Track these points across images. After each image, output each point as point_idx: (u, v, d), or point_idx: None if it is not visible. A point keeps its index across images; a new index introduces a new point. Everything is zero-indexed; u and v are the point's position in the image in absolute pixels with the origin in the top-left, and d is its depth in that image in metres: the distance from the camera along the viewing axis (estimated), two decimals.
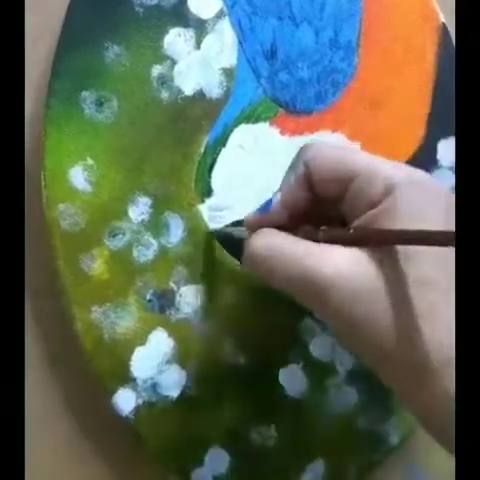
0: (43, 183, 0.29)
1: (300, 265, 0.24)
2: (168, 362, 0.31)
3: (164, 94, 0.30)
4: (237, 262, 0.31)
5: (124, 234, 0.30)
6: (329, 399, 0.33)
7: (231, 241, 0.31)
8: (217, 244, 0.31)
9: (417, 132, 0.35)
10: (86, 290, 0.29)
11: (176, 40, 0.30)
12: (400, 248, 0.23)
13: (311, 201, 0.27)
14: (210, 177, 0.31)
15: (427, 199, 0.24)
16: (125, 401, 0.30)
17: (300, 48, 0.32)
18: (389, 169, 0.25)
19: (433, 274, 0.23)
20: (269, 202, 0.32)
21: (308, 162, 0.26)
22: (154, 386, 0.30)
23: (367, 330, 0.23)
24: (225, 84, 0.31)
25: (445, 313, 0.22)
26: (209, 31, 0.31)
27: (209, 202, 0.31)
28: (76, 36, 0.29)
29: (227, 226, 0.31)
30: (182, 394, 0.31)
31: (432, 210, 0.24)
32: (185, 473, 0.31)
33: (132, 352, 0.30)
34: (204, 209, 0.31)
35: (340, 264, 0.24)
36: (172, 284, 0.31)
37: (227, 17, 0.31)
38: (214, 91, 0.31)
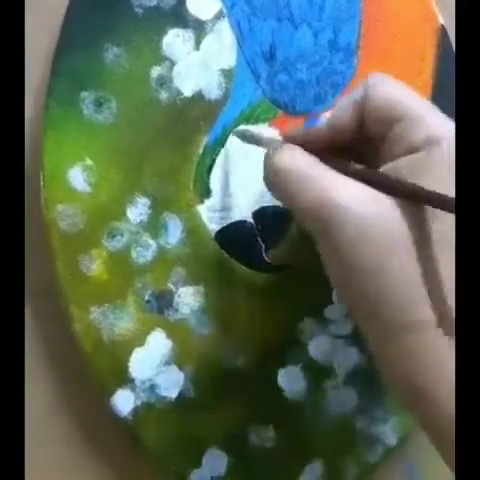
0: (42, 183, 0.29)
1: (320, 188, 0.24)
2: (167, 363, 0.31)
3: (163, 95, 0.30)
4: (236, 263, 0.31)
5: (123, 235, 0.30)
6: (328, 400, 0.33)
7: (230, 242, 0.31)
8: (216, 245, 0.31)
9: None
10: (85, 291, 0.29)
11: (175, 41, 0.30)
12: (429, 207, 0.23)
13: (355, 131, 0.26)
14: (209, 178, 0.31)
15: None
16: (124, 402, 0.30)
17: (299, 49, 0.32)
18: (436, 120, 0.24)
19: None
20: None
21: (368, 87, 0.26)
22: (153, 387, 0.30)
23: (369, 275, 0.23)
24: (224, 85, 0.31)
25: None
26: (208, 32, 0.31)
27: (208, 203, 0.31)
28: (75, 37, 0.29)
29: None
30: (181, 395, 0.31)
31: None
32: (183, 474, 0.31)
33: (131, 353, 0.30)
34: (203, 210, 0.31)
35: (362, 197, 0.23)
36: (170, 285, 0.31)
37: (226, 18, 0.31)
38: (213, 92, 0.31)
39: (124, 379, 0.30)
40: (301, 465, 0.33)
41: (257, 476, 0.32)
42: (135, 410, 0.30)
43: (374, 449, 0.34)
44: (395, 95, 0.25)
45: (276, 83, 0.32)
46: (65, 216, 0.29)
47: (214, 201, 0.31)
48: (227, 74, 0.31)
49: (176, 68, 0.31)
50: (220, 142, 0.31)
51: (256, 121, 0.32)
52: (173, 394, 0.31)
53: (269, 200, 0.32)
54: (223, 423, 0.32)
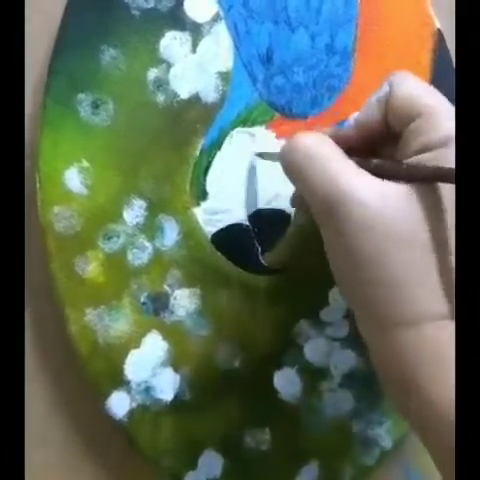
0: (38, 185, 0.29)
1: (334, 171, 0.24)
2: (162, 365, 0.31)
3: (160, 97, 0.30)
4: (232, 265, 0.31)
5: (119, 237, 0.30)
6: (324, 403, 0.33)
7: (226, 244, 0.31)
8: (212, 247, 0.31)
9: None
10: (80, 293, 0.29)
11: (172, 43, 0.31)
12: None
13: (380, 129, 0.26)
14: (205, 180, 0.31)
15: None
16: (119, 404, 0.30)
17: (296, 53, 0.32)
18: (452, 121, 0.24)
19: None
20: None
21: (393, 84, 0.26)
22: (148, 389, 0.30)
23: (369, 264, 0.23)
24: (221, 88, 0.31)
25: None
26: (205, 35, 0.31)
27: (204, 205, 0.31)
28: (73, 39, 0.29)
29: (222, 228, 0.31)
30: (176, 397, 0.31)
31: None
32: (179, 476, 0.31)
33: (126, 355, 0.30)
34: (199, 212, 0.31)
35: (370, 187, 0.23)
36: (166, 287, 0.31)
37: (223, 21, 0.31)
38: (210, 95, 0.31)
39: (120, 381, 0.30)
40: (297, 468, 0.33)
41: (252, 478, 0.32)
42: (131, 412, 0.30)
43: (370, 452, 0.34)
44: (415, 93, 0.25)
45: (273, 86, 0.32)
46: (61, 218, 0.29)
47: (210, 203, 0.31)
48: (224, 77, 0.31)
49: (173, 70, 0.31)
50: (217, 145, 0.31)
51: (253, 124, 0.32)
52: (169, 396, 0.31)
53: (266, 203, 0.32)
54: (219, 425, 0.32)
